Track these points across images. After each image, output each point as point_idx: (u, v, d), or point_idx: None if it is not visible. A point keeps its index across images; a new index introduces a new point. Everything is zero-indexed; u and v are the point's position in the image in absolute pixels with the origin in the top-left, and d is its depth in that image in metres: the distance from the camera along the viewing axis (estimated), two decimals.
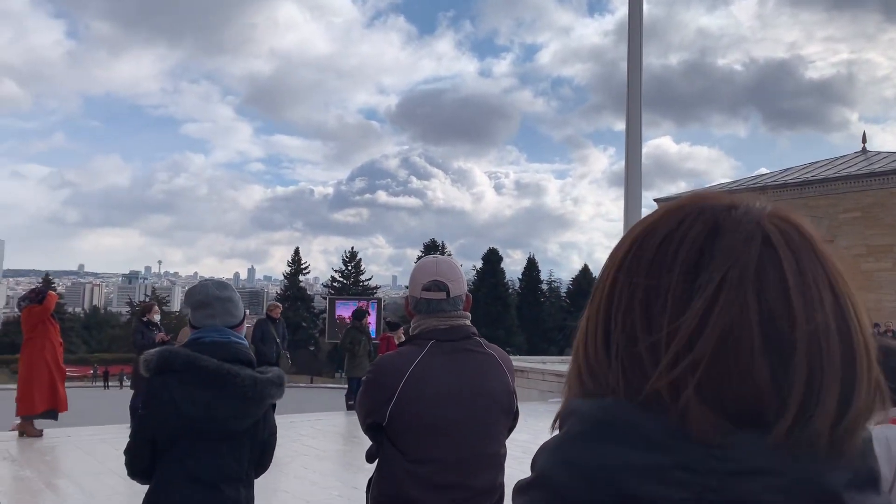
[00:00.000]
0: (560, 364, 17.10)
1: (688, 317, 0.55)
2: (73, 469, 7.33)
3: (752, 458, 0.53)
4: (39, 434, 8.58)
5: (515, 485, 0.62)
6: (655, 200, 29.25)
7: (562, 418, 0.62)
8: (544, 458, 0.60)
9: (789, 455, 0.53)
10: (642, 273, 0.60)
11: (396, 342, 13.78)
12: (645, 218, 0.66)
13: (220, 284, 2.72)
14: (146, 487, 2.51)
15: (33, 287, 13.15)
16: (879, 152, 27.28)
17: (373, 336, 14.62)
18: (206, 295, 2.60)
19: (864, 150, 27.49)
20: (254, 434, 2.57)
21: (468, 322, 2.33)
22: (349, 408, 13.10)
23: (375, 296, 57.95)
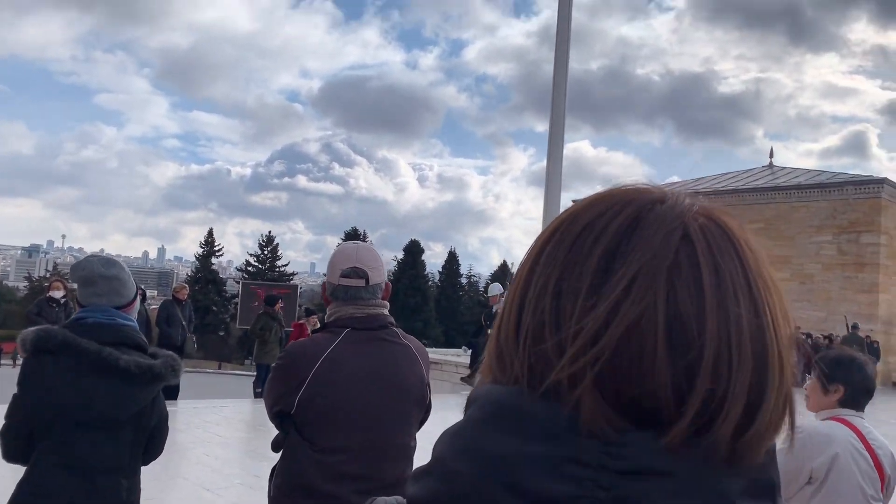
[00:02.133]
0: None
1: (596, 311, 0.53)
2: None
3: (646, 458, 0.51)
4: None
5: (413, 471, 0.59)
6: (574, 202, 29.92)
7: (467, 403, 0.60)
8: (442, 443, 0.58)
9: (684, 459, 0.51)
10: (559, 263, 0.57)
11: (310, 330, 13.56)
12: (572, 206, 0.63)
13: (107, 261, 2.53)
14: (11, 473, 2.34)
15: None
16: (784, 167, 28.77)
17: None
18: (91, 272, 2.42)
19: (770, 165, 28.92)
20: (138, 422, 2.40)
21: (386, 311, 2.27)
22: (257, 395, 12.80)
23: (292, 282, 57.04)
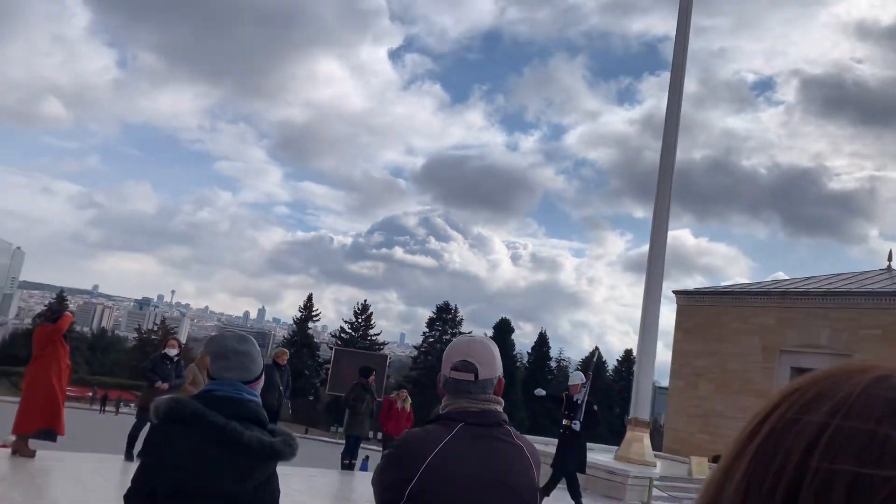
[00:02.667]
0: None
1: None
2: (60, 497, 7.19)
3: None
4: (32, 455, 8.43)
5: None
6: (674, 292, 29.04)
7: None
8: None
9: None
10: (850, 459, 0.50)
11: (399, 406, 13.59)
12: (826, 389, 0.55)
13: (241, 338, 2.67)
14: None
15: (49, 303, 13.25)
16: None
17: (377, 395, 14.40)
18: (225, 347, 2.55)
19: (889, 268, 27.31)
20: (254, 497, 2.46)
21: (500, 408, 2.26)
22: (344, 467, 12.83)
23: (382, 352, 57.60)
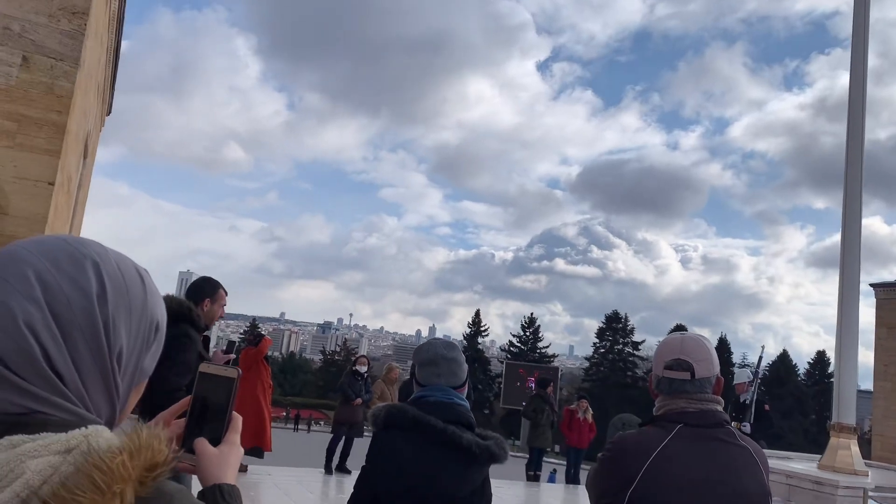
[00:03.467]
0: None
1: None
2: None
3: None
4: (244, 469, 9.21)
5: None
6: (872, 286, 26.34)
7: None
8: None
9: None
10: None
11: (580, 416, 13.36)
12: None
13: (449, 345, 2.72)
14: None
15: (244, 331, 14.50)
16: None
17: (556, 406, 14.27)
18: (434, 354, 2.61)
19: None
20: (470, 501, 2.48)
21: (720, 408, 2.15)
22: (528, 478, 12.81)
23: (553, 364, 57.12)
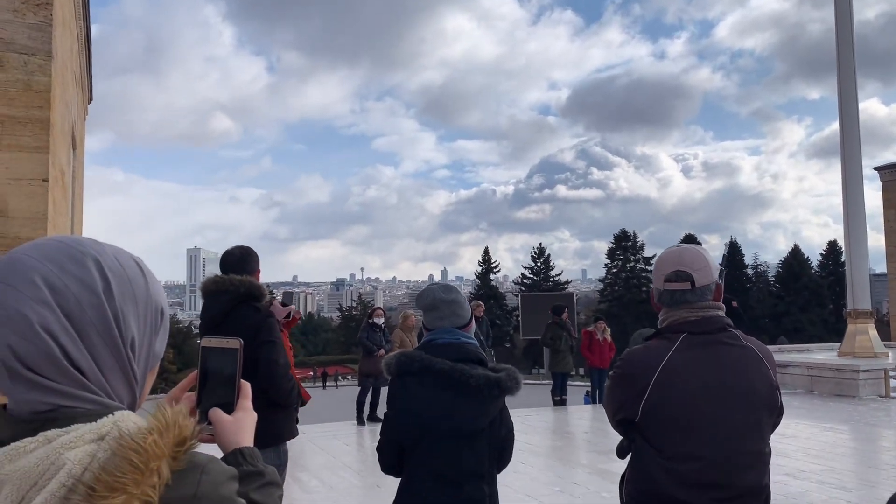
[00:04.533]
0: (775, 354, 15.82)
1: None
2: (310, 463, 7.99)
3: None
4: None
5: None
6: (876, 169, 26.12)
7: None
8: None
9: None
10: None
11: (599, 337, 13.56)
12: None
13: (446, 288, 2.82)
14: (378, 481, 2.66)
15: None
16: None
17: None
18: (434, 299, 2.71)
19: None
20: (491, 432, 2.61)
21: (721, 313, 2.21)
22: (555, 403, 13.10)
23: (567, 291, 57.54)
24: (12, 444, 0.80)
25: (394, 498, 2.66)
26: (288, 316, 4.19)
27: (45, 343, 0.83)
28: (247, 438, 1.02)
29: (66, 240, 0.91)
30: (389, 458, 2.63)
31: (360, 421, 10.86)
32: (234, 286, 3.68)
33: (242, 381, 1.05)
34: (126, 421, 0.84)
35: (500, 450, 2.68)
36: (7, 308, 0.83)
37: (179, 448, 0.84)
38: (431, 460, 2.53)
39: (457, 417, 2.51)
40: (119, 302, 0.89)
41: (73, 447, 0.79)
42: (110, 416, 0.84)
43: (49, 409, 0.84)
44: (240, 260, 3.88)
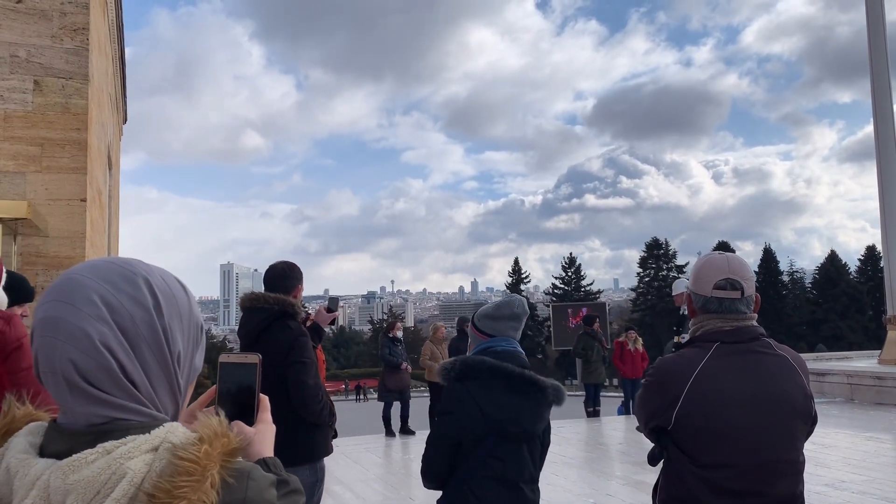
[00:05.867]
0: (814, 362, 15.52)
1: None
2: (344, 476, 8.03)
3: None
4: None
5: None
6: None
7: None
8: None
9: None
10: None
11: (630, 347, 13.44)
12: None
13: (524, 304, 2.91)
14: (411, 493, 2.68)
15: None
16: None
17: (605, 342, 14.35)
18: (519, 311, 2.82)
19: None
20: (542, 437, 2.71)
21: (755, 323, 2.20)
22: (589, 415, 12.99)
23: (599, 300, 57.12)
24: (74, 456, 0.84)
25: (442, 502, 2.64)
26: (333, 322, 4.28)
27: (105, 358, 0.88)
28: (268, 449, 1.07)
29: (117, 261, 0.97)
30: (439, 466, 2.63)
31: (389, 433, 10.89)
32: (268, 304, 3.73)
33: (262, 395, 1.09)
34: (175, 432, 0.90)
35: (542, 457, 2.77)
36: (69, 325, 0.88)
37: (228, 457, 0.89)
38: (492, 463, 2.56)
39: (523, 420, 2.59)
40: (167, 318, 0.95)
41: (133, 457, 0.84)
42: (161, 427, 0.89)
43: (104, 421, 0.89)
44: (282, 275, 3.88)
